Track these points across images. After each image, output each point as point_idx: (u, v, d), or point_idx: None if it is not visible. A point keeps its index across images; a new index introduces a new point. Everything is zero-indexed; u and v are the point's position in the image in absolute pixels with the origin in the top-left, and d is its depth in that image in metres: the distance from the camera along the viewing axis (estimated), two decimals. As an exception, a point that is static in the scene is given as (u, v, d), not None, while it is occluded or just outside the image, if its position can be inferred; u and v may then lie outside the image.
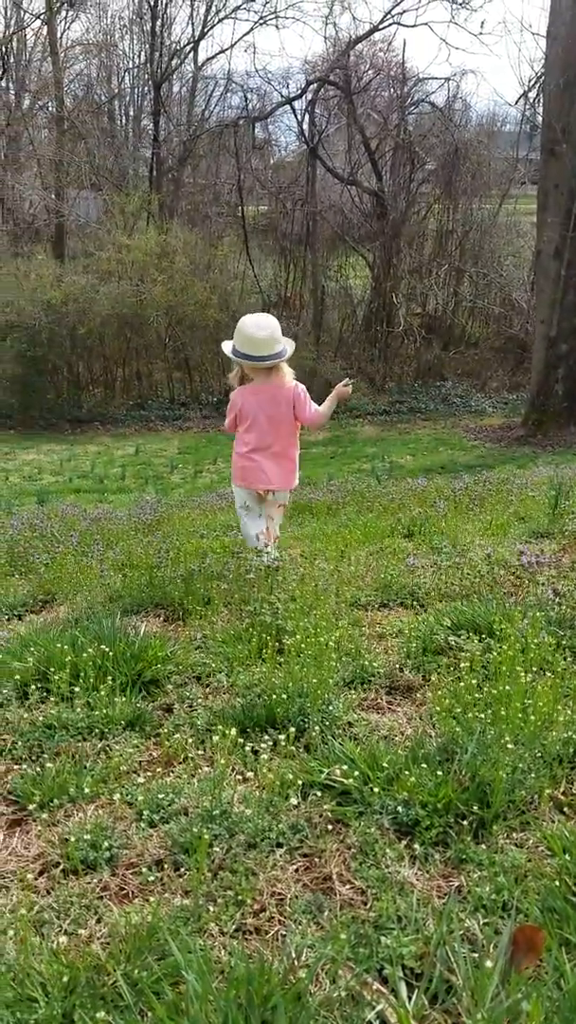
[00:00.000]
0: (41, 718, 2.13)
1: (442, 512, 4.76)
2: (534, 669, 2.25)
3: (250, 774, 1.87)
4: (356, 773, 1.79)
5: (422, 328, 20.19)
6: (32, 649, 2.48)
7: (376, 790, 1.73)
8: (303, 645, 2.49)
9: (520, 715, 1.98)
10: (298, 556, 4.07)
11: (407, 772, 1.73)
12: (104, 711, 2.14)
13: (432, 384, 20.83)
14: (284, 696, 2.12)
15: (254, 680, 2.34)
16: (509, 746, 1.78)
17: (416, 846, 1.62)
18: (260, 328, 3.36)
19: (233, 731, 1.92)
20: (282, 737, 1.91)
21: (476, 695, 2.10)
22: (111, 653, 2.34)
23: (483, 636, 2.53)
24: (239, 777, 1.87)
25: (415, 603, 3.12)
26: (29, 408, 18.25)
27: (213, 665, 2.50)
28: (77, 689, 2.22)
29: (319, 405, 3.50)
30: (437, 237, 20.22)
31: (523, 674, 2.08)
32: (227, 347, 3.47)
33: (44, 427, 17.98)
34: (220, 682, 2.43)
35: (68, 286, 17.36)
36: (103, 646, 2.36)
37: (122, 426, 18.72)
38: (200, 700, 2.30)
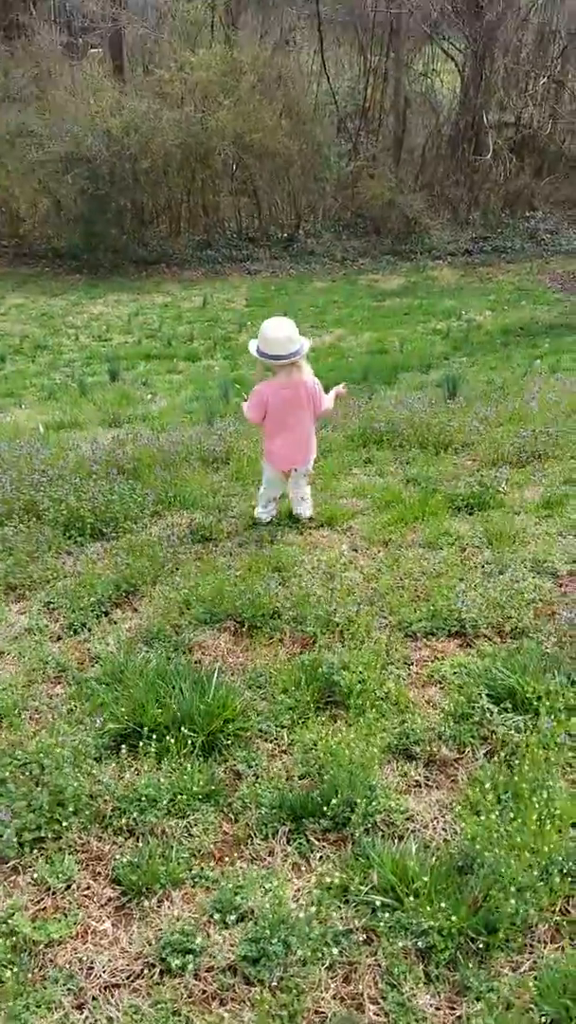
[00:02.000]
0: (133, 789, 2.57)
1: (505, 478, 4.84)
2: (559, 765, 2.54)
3: (305, 872, 2.29)
4: (387, 887, 2.19)
5: (512, 149, 18.16)
6: (121, 699, 2.90)
7: (404, 909, 2.13)
8: (359, 701, 2.87)
9: (535, 824, 2.31)
10: (356, 542, 4.30)
11: (429, 906, 2.11)
12: (184, 783, 2.56)
13: (520, 216, 19.09)
14: (335, 786, 2.49)
15: (308, 744, 2.73)
16: (520, 864, 2.12)
17: (431, 967, 2.04)
18: (278, 331, 4.05)
19: (289, 825, 2.35)
20: (332, 834, 2.33)
21: (500, 792, 2.44)
22: (188, 725, 2.73)
23: (517, 708, 2.81)
24: (293, 871, 2.30)
25: (463, 631, 3.38)
26: (94, 249, 17.84)
27: (274, 722, 2.88)
28: (161, 753, 2.64)
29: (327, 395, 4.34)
30: (537, 41, 17.53)
31: (544, 778, 2.39)
32: (252, 347, 4.14)
33: (109, 270, 17.65)
34: (281, 739, 2.82)
35: (129, 113, 16.17)
36: (180, 714, 2.76)
37: (188, 268, 18.18)
38: (264, 765, 2.70)
